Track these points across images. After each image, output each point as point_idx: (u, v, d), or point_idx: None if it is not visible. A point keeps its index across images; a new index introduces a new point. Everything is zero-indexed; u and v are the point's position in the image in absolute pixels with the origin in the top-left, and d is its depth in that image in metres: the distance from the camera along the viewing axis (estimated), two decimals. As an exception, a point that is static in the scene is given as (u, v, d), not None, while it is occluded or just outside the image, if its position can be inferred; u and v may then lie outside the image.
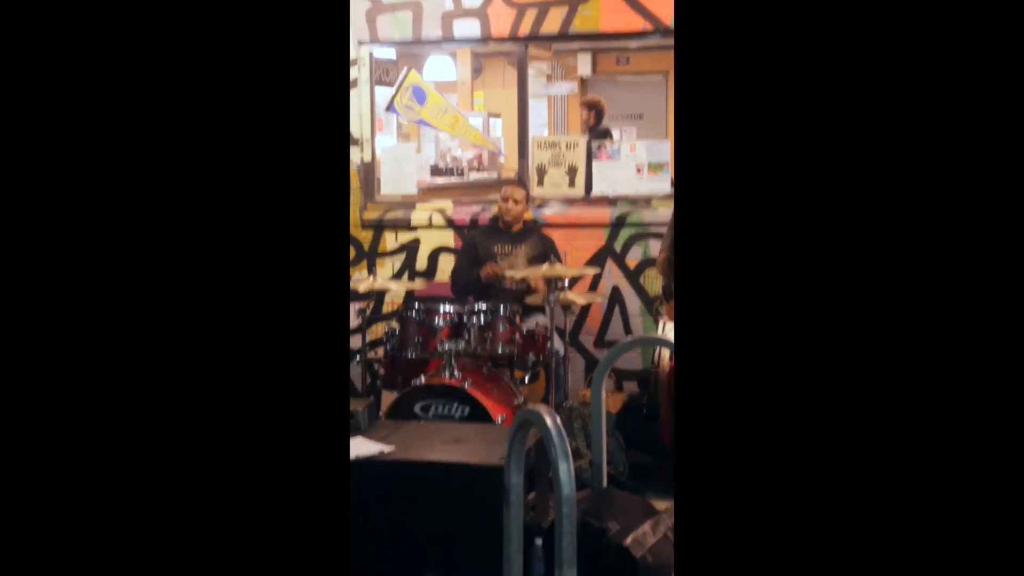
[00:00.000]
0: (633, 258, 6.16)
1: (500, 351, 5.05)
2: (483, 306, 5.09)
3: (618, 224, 6.16)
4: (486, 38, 6.32)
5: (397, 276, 6.38)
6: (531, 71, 6.72)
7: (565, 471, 2.61)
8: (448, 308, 5.11)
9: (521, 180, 6.34)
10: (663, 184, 6.17)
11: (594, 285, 6.17)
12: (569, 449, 2.66)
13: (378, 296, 6.20)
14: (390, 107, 6.51)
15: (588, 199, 6.29)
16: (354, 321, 6.04)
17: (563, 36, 6.23)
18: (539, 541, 3.58)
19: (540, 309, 5.52)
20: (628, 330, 6.17)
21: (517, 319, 5.10)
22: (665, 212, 6.03)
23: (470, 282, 5.64)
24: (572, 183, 6.30)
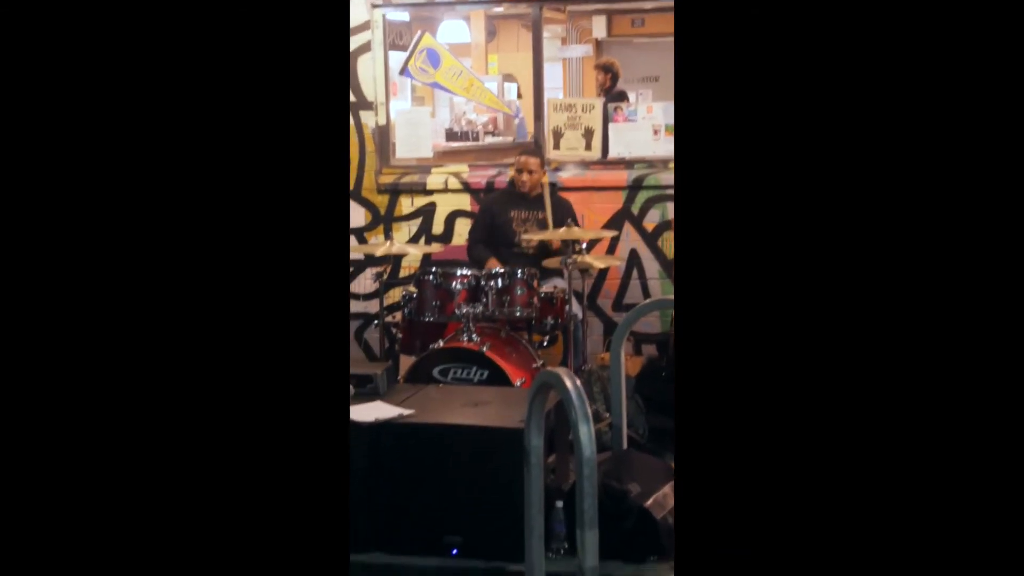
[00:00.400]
0: (651, 221, 6.12)
1: (518, 315, 5.04)
2: (500, 270, 5.08)
3: (635, 187, 6.12)
4: (500, 0, 6.25)
5: (414, 240, 6.36)
6: (546, 34, 6.65)
7: (586, 433, 2.60)
8: (465, 272, 5.10)
9: (538, 143, 6.29)
10: (680, 146, 6.10)
11: (612, 248, 6.13)
12: (589, 411, 2.65)
13: (395, 260, 6.18)
14: (404, 71, 6.47)
15: (605, 162, 6.24)
16: (371, 286, 6.02)
17: (578, -3, 6.17)
18: (560, 503, 3.58)
19: (558, 272, 5.49)
20: (646, 293, 6.14)
21: (535, 283, 5.08)
22: (682, 174, 5.97)
23: (482, 260, 5.62)
24: (589, 146, 6.24)
